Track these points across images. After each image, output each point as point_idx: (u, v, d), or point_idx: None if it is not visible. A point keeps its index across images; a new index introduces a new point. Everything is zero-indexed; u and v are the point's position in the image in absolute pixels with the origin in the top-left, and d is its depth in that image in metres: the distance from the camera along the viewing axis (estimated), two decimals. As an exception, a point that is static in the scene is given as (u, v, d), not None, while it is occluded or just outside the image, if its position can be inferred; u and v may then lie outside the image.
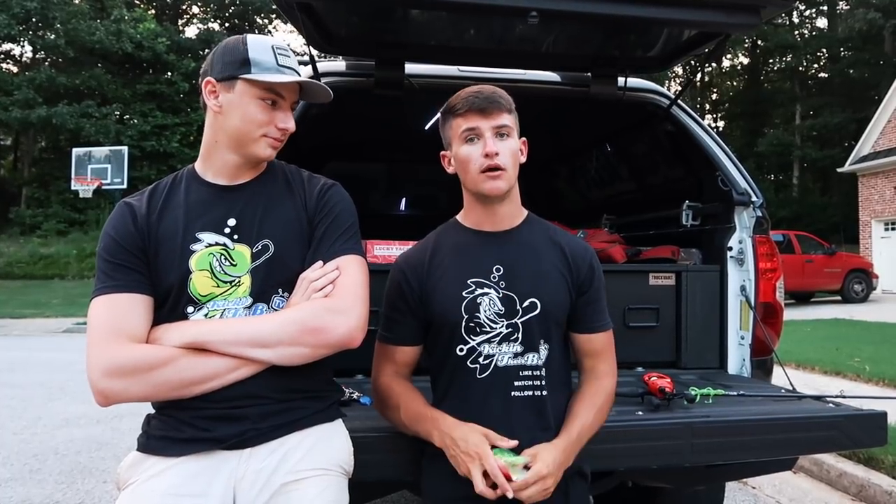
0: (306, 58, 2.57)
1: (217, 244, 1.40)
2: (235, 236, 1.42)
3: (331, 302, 1.37)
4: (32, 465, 4.40)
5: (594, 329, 1.61)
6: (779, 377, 2.63)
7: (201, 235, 1.40)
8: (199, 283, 1.38)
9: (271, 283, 1.41)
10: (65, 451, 4.72)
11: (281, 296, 1.42)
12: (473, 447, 1.41)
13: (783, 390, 2.33)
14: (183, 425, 1.35)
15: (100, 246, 1.41)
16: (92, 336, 1.32)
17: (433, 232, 1.70)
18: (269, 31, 34.73)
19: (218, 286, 1.38)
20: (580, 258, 1.61)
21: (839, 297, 16.83)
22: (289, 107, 1.47)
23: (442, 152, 1.63)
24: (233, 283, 1.39)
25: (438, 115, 1.63)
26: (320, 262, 1.42)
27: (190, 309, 1.38)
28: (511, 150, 1.53)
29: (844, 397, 2.17)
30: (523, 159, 1.60)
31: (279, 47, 1.44)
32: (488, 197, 1.55)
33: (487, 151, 1.50)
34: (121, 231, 1.40)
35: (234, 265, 1.40)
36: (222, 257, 1.40)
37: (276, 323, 1.36)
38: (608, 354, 1.64)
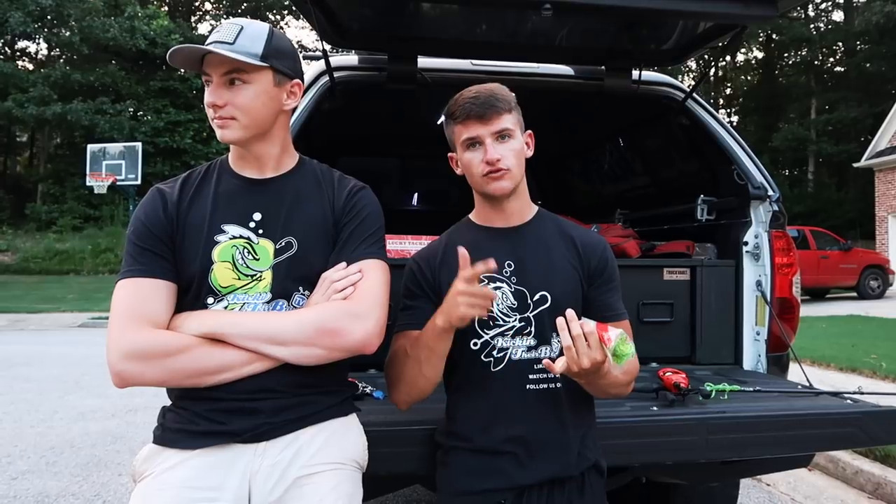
0: (319, 52, 2.57)
1: (241, 237, 1.40)
2: (260, 231, 1.41)
3: (350, 305, 1.37)
4: (49, 457, 4.45)
5: (607, 318, 1.57)
6: (795, 373, 2.61)
7: (226, 227, 1.41)
8: (221, 274, 1.38)
9: (292, 281, 1.41)
10: (81, 444, 4.77)
11: (302, 293, 1.42)
12: (453, 288, 1.36)
13: (800, 386, 2.31)
14: (198, 418, 1.36)
15: (130, 229, 1.42)
16: (114, 318, 1.33)
17: (445, 232, 1.70)
18: (282, 27, 34.82)
19: (239, 279, 1.39)
20: (591, 249, 1.60)
21: (855, 294, 16.65)
22: (221, 82, 1.39)
23: (449, 154, 1.63)
24: (254, 278, 1.39)
25: (442, 117, 1.62)
26: (343, 263, 1.42)
27: (210, 300, 1.38)
28: (514, 151, 1.52)
29: (862, 394, 2.14)
30: (530, 153, 1.59)
31: (224, 23, 1.41)
32: (495, 196, 1.55)
33: (488, 159, 1.50)
34: (151, 217, 1.40)
35: (257, 259, 1.40)
36: (245, 251, 1.40)
37: (294, 322, 1.35)
38: None
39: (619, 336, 1.31)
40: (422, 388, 1.51)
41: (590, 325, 1.32)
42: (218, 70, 1.39)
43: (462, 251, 1.37)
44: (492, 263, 1.35)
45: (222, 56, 1.36)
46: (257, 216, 1.42)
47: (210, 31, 1.42)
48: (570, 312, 1.32)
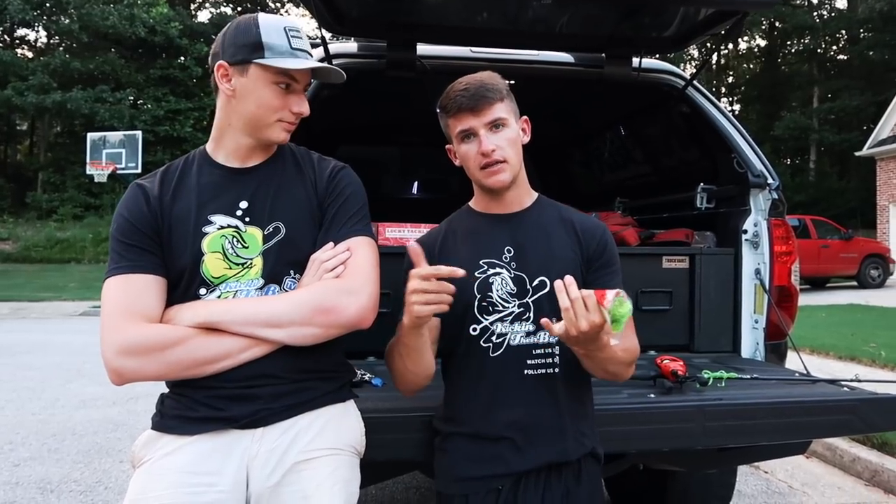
0: (318, 40, 2.56)
1: (229, 227, 1.41)
2: (247, 219, 1.42)
3: (342, 282, 1.38)
4: (51, 444, 4.48)
5: None
6: (793, 361, 2.62)
7: (213, 218, 1.41)
8: (212, 265, 1.38)
9: (283, 265, 1.41)
10: (82, 431, 4.80)
11: (293, 277, 1.43)
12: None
13: (797, 374, 2.32)
14: (197, 404, 1.36)
15: (113, 227, 1.42)
16: (106, 316, 1.33)
17: (446, 219, 1.70)
18: (281, 14, 34.65)
19: (230, 268, 1.39)
20: (590, 233, 1.60)
21: (855, 283, 16.67)
22: (302, 90, 1.46)
23: (447, 146, 1.63)
24: (245, 265, 1.40)
25: (437, 109, 1.61)
26: (331, 244, 1.43)
27: (202, 291, 1.39)
28: (509, 140, 1.51)
29: (859, 381, 2.15)
30: (526, 139, 1.59)
31: (291, 29, 1.43)
32: (495, 189, 1.55)
33: (483, 150, 1.49)
34: (134, 212, 1.40)
35: (246, 247, 1.40)
36: (234, 239, 1.40)
37: (288, 303, 1.36)
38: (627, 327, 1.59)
39: (615, 296, 1.28)
40: (413, 380, 1.53)
41: (587, 290, 1.31)
42: (305, 78, 1.45)
43: (413, 246, 1.34)
44: (459, 272, 1.31)
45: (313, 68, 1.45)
46: (243, 204, 1.42)
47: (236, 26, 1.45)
48: (568, 278, 1.31)
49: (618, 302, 1.28)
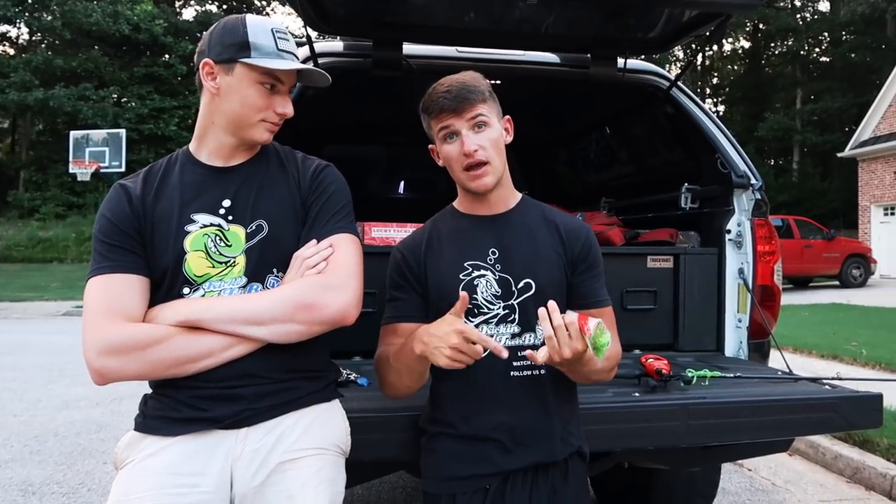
0: (304, 39, 2.55)
1: (212, 225, 1.40)
2: (230, 217, 1.41)
3: (324, 278, 1.37)
4: (33, 446, 4.43)
5: (590, 305, 1.58)
6: (776, 360, 2.64)
7: (196, 216, 1.40)
8: (195, 263, 1.38)
9: (266, 263, 1.41)
10: (65, 432, 4.75)
11: (276, 275, 1.42)
12: (447, 325, 1.34)
13: (779, 372, 2.34)
14: (180, 405, 1.36)
15: (96, 227, 1.41)
16: (88, 316, 1.32)
17: (430, 219, 1.70)
18: (267, 13, 34.47)
19: (213, 267, 1.39)
20: (574, 235, 1.61)
21: (837, 282, 16.86)
22: (287, 91, 1.46)
23: (430, 146, 1.62)
24: (228, 264, 1.39)
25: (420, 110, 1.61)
26: (314, 241, 1.42)
27: (186, 290, 1.38)
28: (491, 140, 1.52)
29: (840, 380, 2.18)
30: (509, 139, 1.59)
31: (279, 30, 1.43)
32: (479, 192, 1.55)
33: (465, 151, 1.49)
34: (117, 213, 1.40)
35: (229, 246, 1.40)
36: (217, 238, 1.40)
37: (270, 300, 1.36)
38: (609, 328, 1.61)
39: (596, 326, 1.31)
40: (406, 392, 1.55)
41: (571, 315, 1.32)
42: (290, 79, 1.45)
43: (464, 295, 1.37)
44: (504, 353, 1.35)
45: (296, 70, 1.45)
46: (226, 203, 1.42)
47: (246, 28, 1.43)
48: (551, 304, 1.33)
49: (598, 331, 1.31)
